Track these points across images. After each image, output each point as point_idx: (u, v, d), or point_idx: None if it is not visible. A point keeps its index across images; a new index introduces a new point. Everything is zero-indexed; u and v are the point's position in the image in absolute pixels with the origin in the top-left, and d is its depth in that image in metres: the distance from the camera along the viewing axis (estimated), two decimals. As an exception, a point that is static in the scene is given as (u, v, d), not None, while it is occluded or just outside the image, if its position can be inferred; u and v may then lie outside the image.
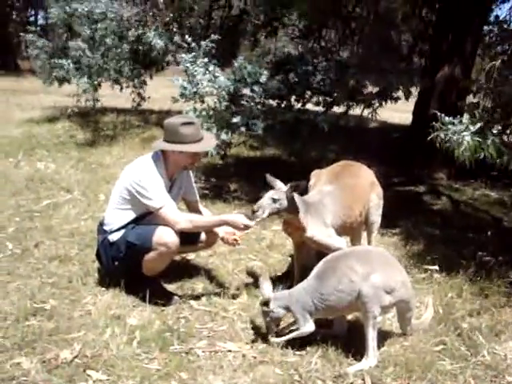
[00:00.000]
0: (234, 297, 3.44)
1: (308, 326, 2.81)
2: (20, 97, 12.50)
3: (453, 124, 3.73)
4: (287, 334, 2.89)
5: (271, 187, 3.28)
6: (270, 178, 3.33)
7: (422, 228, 5.04)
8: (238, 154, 7.51)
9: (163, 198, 3.20)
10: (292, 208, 3.24)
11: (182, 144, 3.26)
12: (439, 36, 7.08)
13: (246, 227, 3.24)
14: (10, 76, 17.75)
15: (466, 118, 3.79)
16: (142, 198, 3.21)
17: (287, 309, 2.85)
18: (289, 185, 3.24)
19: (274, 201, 3.16)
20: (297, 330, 2.85)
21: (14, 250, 3.96)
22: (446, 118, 3.80)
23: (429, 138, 3.87)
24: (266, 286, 2.89)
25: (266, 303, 2.86)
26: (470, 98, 6.59)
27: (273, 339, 2.88)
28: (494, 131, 3.80)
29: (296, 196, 3.27)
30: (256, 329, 3.03)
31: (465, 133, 3.59)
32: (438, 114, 3.86)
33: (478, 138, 3.59)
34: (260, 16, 9.84)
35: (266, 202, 3.17)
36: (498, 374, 2.71)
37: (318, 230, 3.35)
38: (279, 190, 3.23)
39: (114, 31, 8.03)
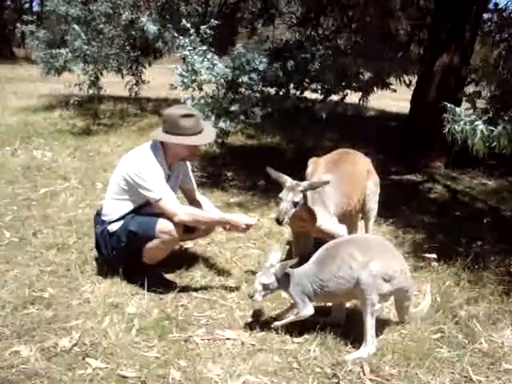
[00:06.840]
0: (233, 285, 3.45)
1: (307, 310, 2.81)
2: (16, 85, 12.39)
3: (467, 114, 3.58)
4: (286, 317, 2.90)
5: (278, 182, 3.25)
6: (274, 173, 3.28)
7: (420, 217, 5.05)
8: (235, 142, 7.48)
9: (163, 190, 3.17)
10: (305, 202, 3.25)
11: (181, 136, 3.21)
12: (438, 24, 7.02)
13: (248, 227, 3.24)
14: (6, 64, 17.58)
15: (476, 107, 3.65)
16: (141, 189, 3.18)
17: (279, 286, 2.81)
18: (307, 183, 3.24)
19: (295, 204, 3.14)
20: (296, 314, 2.85)
21: (11, 238, 3.95)
22: (458, 109, 3.63)
23: (444, 132, 3.66)
24: (273, 255, 2.89)
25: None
26: (469, 88, 6.58)
27: (255, 296, 2.82)
28: (506, 118, 3.60)
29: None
30: (255, 317, 3.04)
31: (478, 122, 3.45)
32: (449, 105, 3.67)
33: (491, 127, 3.45)
34: (257, 3, 9.76)
35: (288, 206, 3.13)
36: (494, 362, 2.73)
37: (325, 218, 3.36)
38: (294, 188, 3.16)
39: (106, 13, 7.88)
